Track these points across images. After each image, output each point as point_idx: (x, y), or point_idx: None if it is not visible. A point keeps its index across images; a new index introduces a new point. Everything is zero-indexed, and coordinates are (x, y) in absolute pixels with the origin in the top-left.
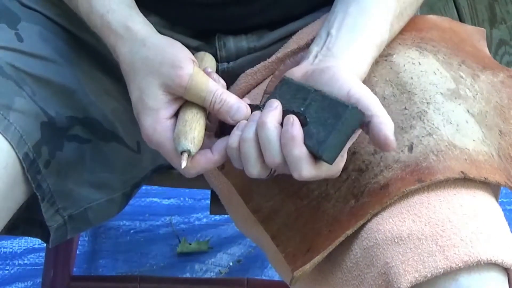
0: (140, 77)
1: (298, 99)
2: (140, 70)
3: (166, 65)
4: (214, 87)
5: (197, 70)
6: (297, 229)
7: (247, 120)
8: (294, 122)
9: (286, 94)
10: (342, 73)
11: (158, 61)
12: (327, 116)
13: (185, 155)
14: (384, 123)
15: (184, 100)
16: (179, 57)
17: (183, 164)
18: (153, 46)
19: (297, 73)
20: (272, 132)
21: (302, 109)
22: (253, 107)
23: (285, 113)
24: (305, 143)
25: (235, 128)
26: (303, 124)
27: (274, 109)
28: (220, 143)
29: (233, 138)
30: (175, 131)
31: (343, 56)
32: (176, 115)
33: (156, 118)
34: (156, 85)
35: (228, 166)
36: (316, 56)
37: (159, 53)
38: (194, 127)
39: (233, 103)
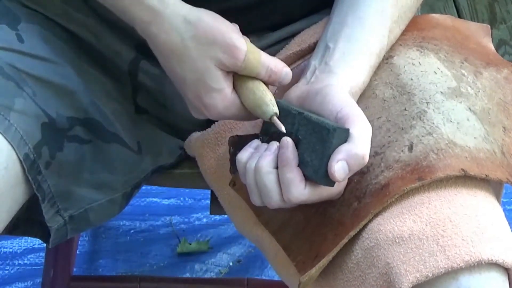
0: (194, 58)
1: (288, 125)
2: (192, 50)
3: (219, 45)
4: (266, 61)
5: (250, 47)
6: (306, 238)
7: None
8: (288, 144)
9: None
10: (334, 94)
11: (210, 41)
12: (315, 141)
13: (274, 118)
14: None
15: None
16: (230, 36)
17: (283, 128)
18: (199, 23)
19: (293, 94)
20: (268, 177)
21: (292, 132)
22: (253, 137)
23: (279, 135)
24: (304, 173)
25: (247, 145)
26: (298, 146)
27: (272, 153)
28: None
29: (244, 154)
30: (248, 103)
31: (340, 70)
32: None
33: (224, 97)
34: (214, 66)
35: (239, 183)
36: (313, 72)
37: (208, 31)
38: (263, 89)
39: (281, 70)
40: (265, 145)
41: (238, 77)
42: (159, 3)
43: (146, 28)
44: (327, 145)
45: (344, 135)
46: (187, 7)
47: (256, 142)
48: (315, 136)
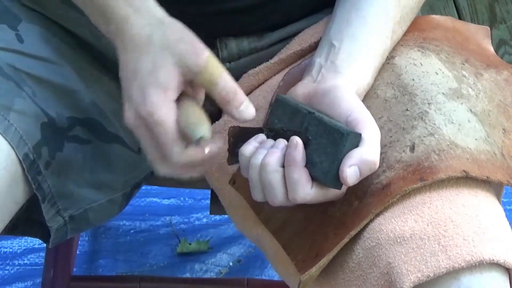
0: (156, 51)
1: (295, 123)
2: (157, 45)
3: (185, 42)
4: (227, 78)
5: (215, 58)
6: (306, 237)
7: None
8: (297, 144)
9: (284, 117)
10: (342, 97)
11: (177, 38)
12: (326, 143)
13: (203, 141)
14: (366, 161)
15: (184, 88)
16: (197, 40)
17: (207, 149)
18: (171, 25)
19: (299, 91)
20: (274, 175)
21: (301, 131)
22: (256, 130)
23: (286, 133)
24: (311, 173)
25: (252, 139)
26: (306, 145)
27: (279, 150)
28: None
29: (248, 147)
30: (183, 119)
31: (346, 71)
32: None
33: (166, 96)
34: (172, 63)
35: (239, 181)
36: (319, 71)
37: (178, 32)
38: (204, 117)
39: (245, 99)
40: (270, 141)
41: (182, 97)
42: (140, 1)
43: (122, 23)
44: (339, 149)
45: (356, 139)
46: (166, 13)
47: (261, 137)
48: (326, 138)
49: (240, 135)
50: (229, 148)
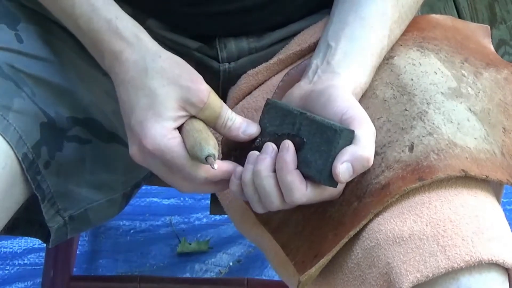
0: (155, 86)
1: (287, 124)
2: (155, 79)
3: (185, 78)
4: (226, 108)
5: (211, 89)
6: (305, 237)
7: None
8: (289, 148)
9: (275, 120)
10: (338, 95)
11: (177, 73)
12: (319, 142)
13: (211, 159)
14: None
15: (186, 119)
16: (196, 73)
17: (215, 166)
18: (168, 59)
19: (296, 93)
20: (267, 181)
21: (293, 133)
22: (249, 143)
23: (280, 137)
24: (305, 173)
25: (246, 162)
26: (300, 146)
27: (268, 156)
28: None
29: (234, 182)
30: (190, 140)
31: (342, 70)
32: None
33: (166, 126)
34: (174, 97)
35: None
36: (315, 72)
37: (176, 67)
38: (210, 135)
39: (243, 120)
40: (255, 153)
41: (188, 120)
42: (134, 37)
43: (116, 57)
44: (333, 146)
45: (349, 136)
46: (161, 47)
47: (254, 156)
48: (319, 137)
49: (232, 143)
50: (222, 158)
